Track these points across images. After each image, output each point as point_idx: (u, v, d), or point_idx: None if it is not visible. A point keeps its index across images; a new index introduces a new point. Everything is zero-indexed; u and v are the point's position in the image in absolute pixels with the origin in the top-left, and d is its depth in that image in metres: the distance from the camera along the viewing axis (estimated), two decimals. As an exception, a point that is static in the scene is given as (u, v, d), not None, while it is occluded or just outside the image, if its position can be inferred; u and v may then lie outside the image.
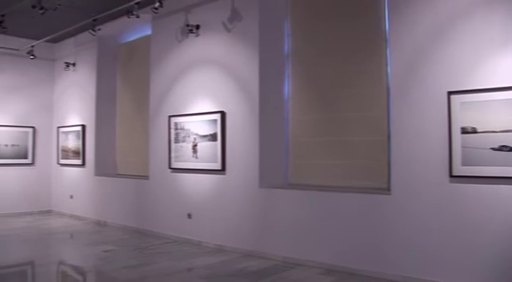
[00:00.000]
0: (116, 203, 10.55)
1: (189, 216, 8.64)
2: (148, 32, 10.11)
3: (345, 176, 7.10)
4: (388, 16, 6.33)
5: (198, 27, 8.60)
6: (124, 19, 9.45)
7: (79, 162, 11.83)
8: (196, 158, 8.49)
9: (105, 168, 11.41)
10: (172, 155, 9.00)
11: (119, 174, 11.29)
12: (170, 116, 9.06)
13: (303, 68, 7.78)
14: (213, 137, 8.17)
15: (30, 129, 12.78)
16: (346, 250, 6.47)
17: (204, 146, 8.34)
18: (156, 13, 8.38)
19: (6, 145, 12.36)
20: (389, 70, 6.33)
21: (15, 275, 7.07)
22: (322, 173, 7.39)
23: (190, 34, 8.68)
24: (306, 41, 7.76)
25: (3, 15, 9.55)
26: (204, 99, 8.46)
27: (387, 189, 6.34)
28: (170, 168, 9.05)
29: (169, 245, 8.45)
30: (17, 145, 12.58)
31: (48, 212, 12.79)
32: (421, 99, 5.82)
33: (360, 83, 7.02)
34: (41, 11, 8.39)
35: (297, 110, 7.80)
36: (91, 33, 9.91)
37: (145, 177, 9.87)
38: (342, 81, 7.24)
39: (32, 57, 11.52)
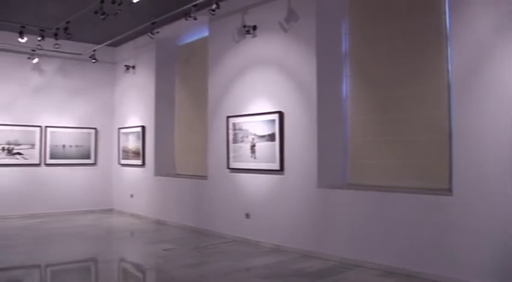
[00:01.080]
0: (175, 202, 10.72)
1: (247, 216, 8.67)
2: (206, 33, 10.23)
3: (403, 176, 6.95)
4: (449, 14, 6.16)
5: (254, 27, 8.62)
6: (182, 21, 9.59)
7: (139, 162, 12.10)
8: (255, 158, 8.51)
9: (164, 168, 11.62)
10: (231, 155, 9.06)
11: (178, 174, 11.47)
12: (228, 117, 9.12)
13: (361, 67, 7.67)
14: (271, 137, 8.17)
15: (93, 131, 13.18)
16: (405, 252, 6.32)
17: (262, 146, 8.36)
18: (213, 15, 8.46)
19: (70, 146, 12.82)
20: (450, 68, 6.14)
21: (79, 271, 7.37)
22: (380, 173, 7.26)
23: (247, 35, 8.72)
24: (364, 40, 7.65)
25: (68, 22, 9.92)
26: (262, 100, 8.48)
27: (448, 190, 6.15)
28: (228, 168, 9.12)
29: (228, 245, 8.52)
30: (81, 146, 13.01)
31: (110, 211, 13.15)
32: (485, 98, 5.61)
33: (419, 81, 6.85)
34: (102, 17, 8.67)
35: (355, 110, 7.70)
36: (150, 37, 10.13)
37: (204, 177, 9.98)
38: (401, 80, 7.09)
39: (94, 61, 11.94)
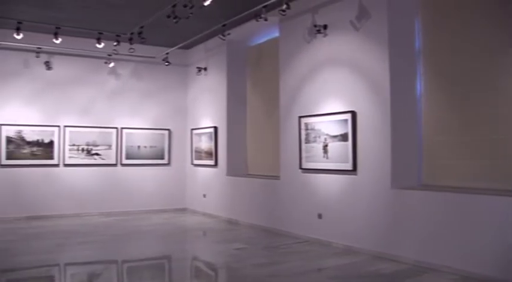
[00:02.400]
0: (247, 202, 10.81)
1: (320, 216, 8.62)
2: (276, 34, 10.25)
3: (482, 177, 6.68)
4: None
5: (325, 27, 8.55)
6: (252, 23, 9.65)
7: (212, 162, 12.28)
8: (327, 158, 8.44)
9: (236, 168, 11.74)
10: (303, 155, 9.02)
11: (250, 174, 11.55)
12: (300, 117, 9.09)
13: (436, 64, 7.44)
14: (343, 137, 8.08)
15: (166, 132, 13.51)
16: (484, 257, 6.04)
17: (334, 146, 8.27)
18: (284, 15, 8.45)
19: (145, 146, 13.20)
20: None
21: (153, 268, 7.59)
22: (458, 174, 7.01)
23: (318, 34, 8.66)
24: (439, 35, 7.42)
25: (142, 27, 10.22)
26: (334, 99, 8.39)
27: (533, 191, 5.85)
28: (301, 168, 9.09)
29: (299, 245, 8.49)
30: (154, 146, 13.36)
31: (183, 210, 13.42)
32: None
33: (498, 78, 6.58)
34: (174, 20, 8.87)
35: (430, 108, 7.48)
36: (221, 38, 10.26)
37: (276, 178, 10.00)
38: (478, 76, 6.83)
39: (166, 63, 12.25)
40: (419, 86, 7.61)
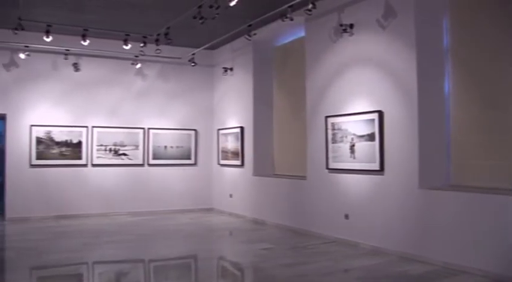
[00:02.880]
0: (273, 202, 10.80)
1: (346, 216, 8.56)
2: (302, 33, 10.22)
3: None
4: None
5: (351, 26, 8.48)
6: (278, 23, 9.63)
7: (238, 162, 12.30)
8: (354, 158, 8.37)
9: (262, 168, 11.74)
10: (330, 155, 8.97)
11: (276, 175, 11.54)
12: (327, 117, 9.04)
13: (465, 63, 7.31)
14: (370, 137, 8.01)
15: (193, 132, 13.57)
16: (517, 257, 5.95)
17: (361, 146, 8.21)
18: (310, 15, 8.42)
19: (171, 147, 13.29)
20: None
21: (180, 267, 7.67)
22: (487, 174, 6.89)
23: (344, 34, 8.59)
24: (468, 34, 7.28)
25: (168, 28, 10.29)
26: (361, 99, 8.33)
27: None
28: (327, 168, 9.04)
29: (326, 245, 8.45)
30: (181, 147, 13.44)
31: (210, 210, 13.47)
32: None
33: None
34: (200, 21, 8.91)
35: (459, 107, 7.36)
36: (247, 39, 10.26)
37: (303, 178, 9.97)
38: (508, 76, 6.70)
39: (193, 64, 12.31)
40: (448, 85, 7.50)
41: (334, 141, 8.88)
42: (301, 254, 7.92)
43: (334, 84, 8.98)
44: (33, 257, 7.79)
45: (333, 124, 8.90)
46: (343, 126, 8.62)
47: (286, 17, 8.69)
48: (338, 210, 8.74)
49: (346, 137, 8.57)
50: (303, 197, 9.77)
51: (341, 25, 8.61)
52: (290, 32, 10.92)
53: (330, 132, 8.98)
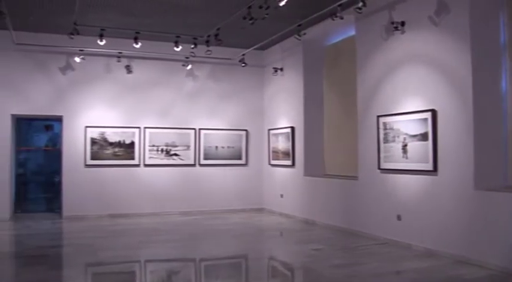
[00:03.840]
0: (324, 202, 10.72)
1: (399, 217, 8.39)
2: (353, 32, 10.09)
3: None
4: None
5: (403, 23, 8.32)
6: (328, 22, 9.55)
7: (289, 162, 12.27)
8: (406, 158, 8.20)
9: (313, 168, 11.67)
10: (382, 155, 8.83)
11: (327, 175, 11.45)
12: (379, 116, 8.90)
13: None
14: (423, 137, 7.82)
15: (244, 132, 13.63)
16: None
17: (414, 145, 8.03)
18: (360, 13, 8.32)
19: (222, 147, 13.38)
20: None
21: (230, 266, 7.72)
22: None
23: (396, 31, 8.43)
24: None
25: (218, 29, 10.38)
26: (413, 98, 8.14)
27: None
28: (379, 168, 8.90)
29: (378, 246, 8.32)
30: (232, 147, 13.52)
31: (260, 210, 13.50)
32: None
33: None
34: (250, 22, 8.94)
35: (517, 105, 7.12)
36: (297, 38, 10.25)
37: (354, 178, 9.85)
38: None
39: (243, 65, 12.36)
40: (505, 82, 7.25)
41: (386, 141, 8.73)
42: (352, 255, 7.84)
43: (385, 83, 8.84)
44: (89, 254, 8.02)
45: (384, 124, 8.76)
46: (395, 126, 8.47)
47: (336, 16, 8.63)
48: (390, 211, 8.59)
49: (398, 136, 8.41)
50: (354, 197, 9.66)
51: (392, 23, 8.45)
52: (340, 31, 10.81)
53: (381, 132, 8.83)
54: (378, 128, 8.90)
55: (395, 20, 8.43)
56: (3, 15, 8.76)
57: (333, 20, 8.76)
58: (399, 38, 8.46)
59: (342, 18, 8.59)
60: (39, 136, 15.44)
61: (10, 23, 9.88)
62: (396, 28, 8.36)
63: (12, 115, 11.67)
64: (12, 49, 11.26)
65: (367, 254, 7.81)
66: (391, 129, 8.56)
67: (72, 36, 10.11)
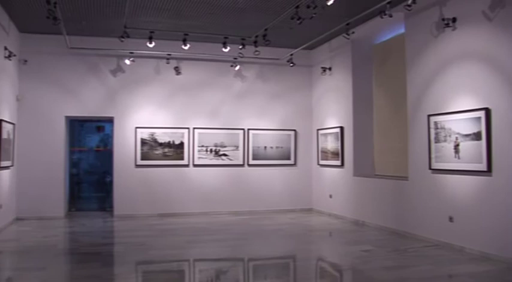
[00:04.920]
0: (374, 203, 10.57)
1: (451, 219, 8.17)
2: (402, 30, 9.91)
3: None
4: None
5: (454, 20, 8.10)
6: (376, 20, 9.44)
7: (338, 163, 12.16)
8: (459, 158, 7.98)
9: (363, 168, 11.52)
10: (433, 155, 8.62)
11: (377, 175, 11.27)
12: (429, 115, 8.70)
13: None
14: (476, 136, 7.58)
15: (292, 132, 13.59)
16: None
17: (466, 145, 7.79)
18: (409, 10, 8.17)
19: (271, 147, 13.39)
20: None
21: (278, 267, 7.68)
22: None
23: (447, 28, 8.23)
24: None
25: (266, 30, 10.39)
26: (466, 96, 7.91)
27: None
28: (430, 169, 8.69)
29: (429, 249, 8.12)
30: (281, 147, 13.50)
31: (309, 210, 13.42)
32: None
33: None
34: (298, 21, 8.93)
35: None
36: (345, 37, 10.16)
37: (404, 178, 9.66)
38: None
39: (291, 65, 12.36)
40: None
41: (437, 140, 8.52)
42: (402, 257, 7.68)
43: (436, 81, 8.63)
44: (139, 252, 8.19)
45: (435, 123, 8.55)
46: (447, 125, 8.26)
47: (385, 14, 8.50)
48: (442, 212, 8.37)
49: (450, 136, 8.20)
50: (405, 198, 9.47)
51: (443, 19, 8.25)
52: (389, 29, 10.64)
53: (432, 131, 8.63)
54: (429, 128, 8.70)
55: (446, 16, 8.23)
56: (58, 21, 9.05)
57: (382, 18, 8.64)
58: (450, 34, 8.24)
59: (391, 16, 8.45)
60: (91, 137, 15.93)
61: (64, 28, 10.21)
62: (447, 25, 8.17)
63: (66, 117, 12.09)
64: (66, 53, 11.69)
65: (418, 257, 7.64)
66: (443, 128, 8.35)
67: (123, 39, 10.35)
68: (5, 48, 10.04)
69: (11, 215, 10.95)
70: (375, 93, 11.69)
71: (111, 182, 12.72)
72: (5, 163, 10.04)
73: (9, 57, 10.18)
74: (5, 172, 10.34)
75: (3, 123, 9.87)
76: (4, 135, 9.91)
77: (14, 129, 10.92)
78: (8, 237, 9.45)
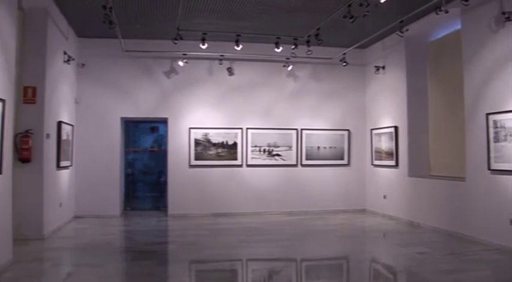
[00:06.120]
0: (429, 204, 10.31)
1: None
2: (458, 26, 9.62)
3: None
4: None
5: (516, 13, 7.82)
6: (431, 16, 9.21)
7: (392, 163, 11.95)
8: (520, 158, 7.70)
9: (418, 169, 11.27)
10: (492, 155, 8.33)
11: (433, 175, 10.99)
12: (488, 114, 8.40)
13: None
14: (538, 135, 7.30)
15: (345, 132, 13.45)
16: None
17: (527, 144, 7.52)
18: (466, 5, 7.95)
19: (324, 147, 13.30)
20: None
21: (331, 268, 7.62)
22: None
23: (507, 22, 7.91)
24: None
25: (318, 29, 10.33)
26: (527, 94, 7.62)
27: None
28: (489, 169, 8.39)
29: (488, 253, 7.85)
30: (334, 147, 13.39)
31: (363, 211, 13.25)
32: None
33: None
34: (351, 20, 8.83)
35: None
36: (399, 35, 9.98)
37: (461, 179, 9.37)
38: None
39: (344, 64, 12.24)
40: None
41: (496, 140, 8.23)
42: (459, 261, 7.45)
43: (495, 78, 8.32)
44: (192, 251, 8.30)
45: (495, 122, 8.26)
46: (507, 124, 7.95)
47: (441, 10, 8.30)
48: (502, 215, 8.06)
49: (510, 135, 7.90)
50: (462, 199, 9.19)
51: (503, 13, 7.95)
52: (445, 25, 10.35)
53: (491, 130, 8.34)
54: (488, 127, 8.41)
55: (507, 9, 7.91)
56: (113, 25, 9.30)
57: (437, 14, 8.44)
58: (511, 29, 7.93)
59: (446, 11, 8.24)
60: (145, 138, 16.25)
61: (119, 31, 10.47)
62: (508, 18, 7.87)
63: (122, 118, 12.40)
64: (121, 56, 11.98)
65: (476, 261, 7.39)
66: (503, 127, 8.06)
67: (176, 41, 10.50)
68: (64, 53, 10.44)
69: (70, 213, 11.34)
70: (430, 91, 11.41)
71: (165, 182, 12.95)
72: (64, 163, 10.42)
73: (68, 61, 10.57)
74: (65, 172, 10.72)
75: (63, 125, 10.25)
76: (63, 137, 10.28)
77: (72, 130, 11.31)
78: (68, 235, 9.78)
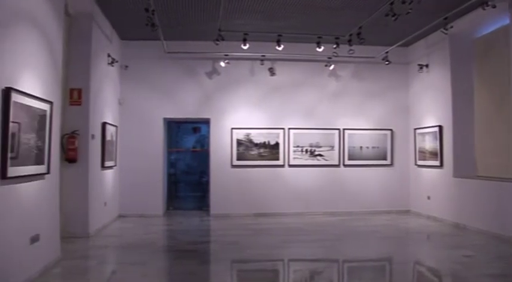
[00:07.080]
0: (476, 206, 10.06)
1: (562, 224, 7.61)
2: (506, 21, 9.34)
3: None
4: None
5: None
6: (477, 12, 8.98)
7: (436, 163, 11.71)
8: None
9: (463, 169, 11.00)
10: (540, 155, 8.09)
11: (479, 176, 10.70)
12: (535, 112, 8.18)
13: None
14: None
15: (388, 132, 13.27)
16: None
17: None
18: (515, 0, 7.71)
19: (367, 147, 13.16)
20: None
21: (374, 269, 7.52)
22: None
23: (556, 18, 7.68)
24: None
25: (360, 28, 10.23)
26: None
27: None
28: (538, 169, 8.16)
29: (538, 255, 7.63)
30: (377, 147, 13.23)
31: (406, 212, 13.03)
32: None
33: None
34: (393, 18, 8.71)
35: None
36: (443, 32, 9.79)
37: (509, 180, 9.10)
38: None
39: (387, 62, 12.07)
40: None
41: (545, 139, 7.97)
42: (507, 265, 7.25)
43: (544, 75, 8.07)
44: (234, 251, 8.35)
45: (544, 120, 8.01)
46: (557, 123, 7.70)
47: (488, 5, 8.12)
48: (552, 217, 7.81)
49: (560, 134, 7.64)
50: (510, 201, 8.92)
51: (553, 9, 7.71)
52: (492, 21, 10.05)
53: (540, 129, 8.09)
54: (537, 126, 8.16)
55: (556, 5, 7.67)
56: (156, 27, 9.45)
57: (484, 9, 8.24)
58: (560, 25, 7.67)
59: (494, 6, 8.03)
60: (187, 138, 16.44)
61: (161, 33, 10.61)
62: (557, 14, 7.62)
63: (164, 118, 12.58)
64: (163, 57, 12.15)
65: (525, 264, 7.19)
66: (552, 126, 7.80)
67: (217, 42, 10.58)
68: (108, 56, 10.66)
69: (114, 212, 11.57)
70: (476, 90, 11.11)
71: (207, 182, 13.06)
72: (108, 163, 10.64)
73: (112, 63, 10.80)
74: (109, 172, 10.93)
75: (107, 126, 10.46)
76: (108, 137, 10.49)
77: (116, 131, 11.53)
78: (113, 233, 9.98)
